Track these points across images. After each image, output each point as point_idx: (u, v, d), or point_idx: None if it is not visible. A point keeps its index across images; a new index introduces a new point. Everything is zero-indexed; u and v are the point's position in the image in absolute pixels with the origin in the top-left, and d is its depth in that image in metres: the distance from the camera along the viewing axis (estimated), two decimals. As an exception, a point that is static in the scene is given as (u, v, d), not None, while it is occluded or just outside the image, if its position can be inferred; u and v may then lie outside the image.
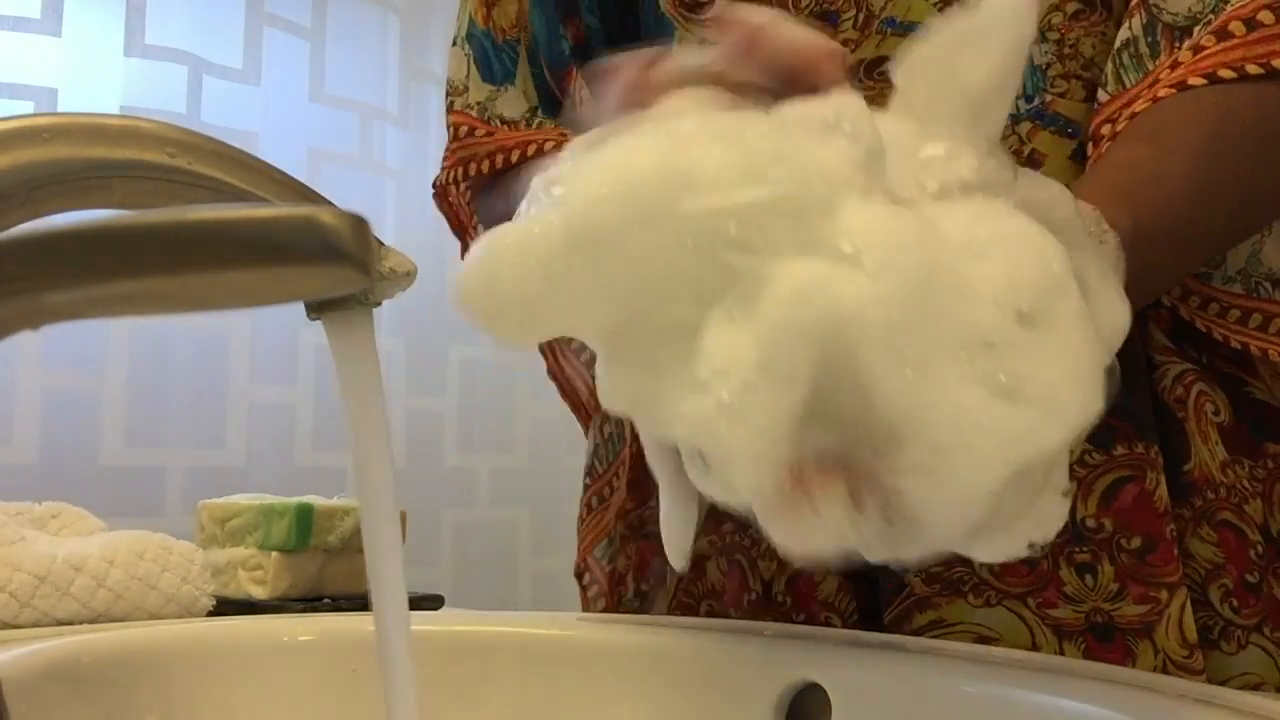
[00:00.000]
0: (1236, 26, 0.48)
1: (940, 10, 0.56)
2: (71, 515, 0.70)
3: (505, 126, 0.70)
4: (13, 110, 1.24)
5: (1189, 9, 0.51)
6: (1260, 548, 0.54)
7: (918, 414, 0.28)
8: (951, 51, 0.34)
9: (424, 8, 1.68)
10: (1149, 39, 0.53)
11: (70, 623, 0.60)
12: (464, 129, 0.70)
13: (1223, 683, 0.53)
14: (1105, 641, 0.53)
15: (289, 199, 0.36)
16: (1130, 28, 0.53)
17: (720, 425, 0.28)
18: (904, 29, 0.57)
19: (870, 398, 0.28)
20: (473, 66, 0.73)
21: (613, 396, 0.32)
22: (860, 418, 0.29)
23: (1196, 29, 0.50)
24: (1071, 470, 0.54)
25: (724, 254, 0.29)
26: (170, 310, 0.26)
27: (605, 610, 0.70)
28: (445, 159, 0.72)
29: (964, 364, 0.28)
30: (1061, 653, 0.54)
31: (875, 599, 0.58)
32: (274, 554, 0.74)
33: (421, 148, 1.65)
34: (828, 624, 0.60)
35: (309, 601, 0.74)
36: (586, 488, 0.74)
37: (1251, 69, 0.47)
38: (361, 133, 1.58)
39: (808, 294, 0.28)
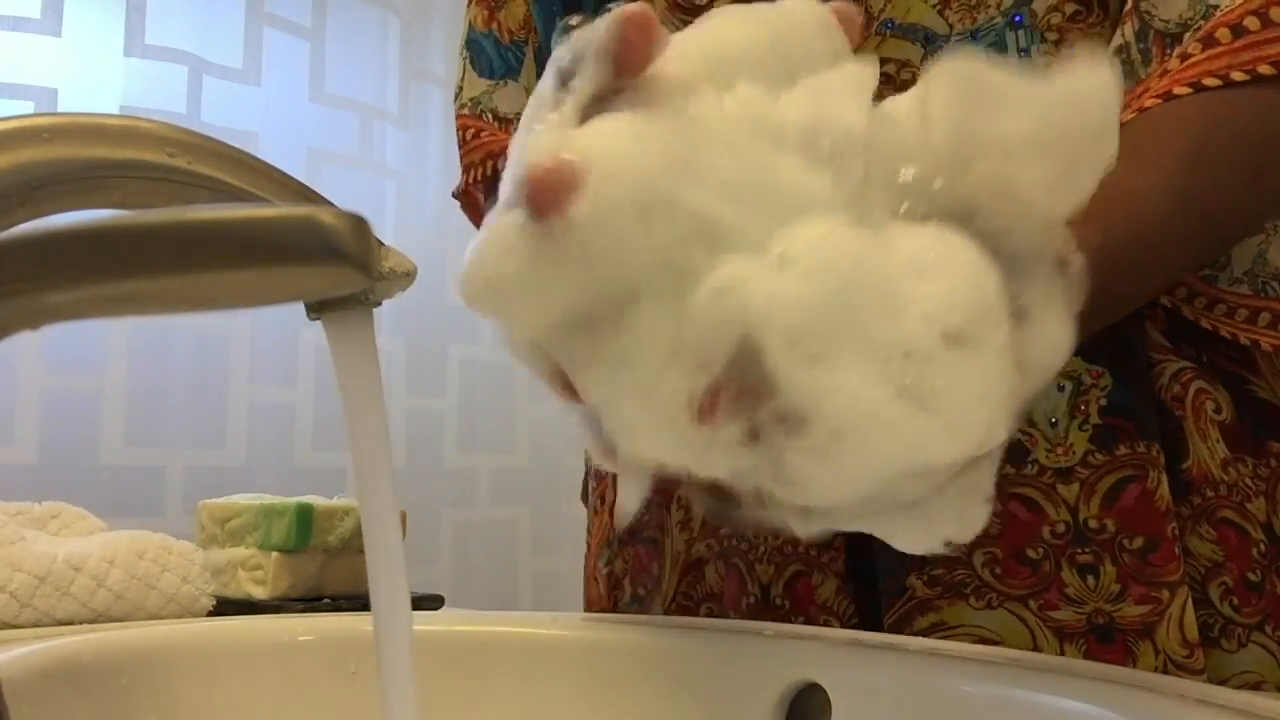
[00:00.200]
0: (1223, 33, 0.47)
1: (940, 13, 0.56)
2: (71, 515, 0.70)
3: (497, 123, 0.71)
4: (13, 110, 1.24)
5: (1180, 16, 0.51)
6: (1264, 546, 0.54)
7: (819, 398, 0.30)
8: (993, 101, 0.34)
9: (424, 8, 1.68)
10: (1140, 46, 0.53)
11: (70, 623, 0.60)
12: (470, 132, 0.72)
13: (1223, 681, 0.54)
14: (1106, 642, 0.53)
15: (289, 199, 0.36)
16: (1123, 34, 0.53)
17: (625, 402, 0.32)
18: (903, 31, 0.57)
19: (778, 386, 0.31)
20: (468, 66, 0.73)
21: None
22: (773, 401, 0.31)
23: (1186, 36, 0.50)
24: (1074, 471, 0.54)
25: (690, 247, 0.31)
26: (170, 310, 0.26)
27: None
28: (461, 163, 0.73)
29: (875, 365, 0.30)
30: (1062, 654, 0.54)
31: (874, 602, 0.58)
32: (274, 554, 0.74)
33: (421, 148, 1.65)
34: (829, 628, 0.60)
35: (309, 601, 0.74)
36: (591, 490, 0.74)
37: (1237, 75, 0.47)
38: (361, 133, 1.58)
39: (725, 289, 0.30)
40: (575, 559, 1.85)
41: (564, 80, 0.33)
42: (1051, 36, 0.56)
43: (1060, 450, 0.55)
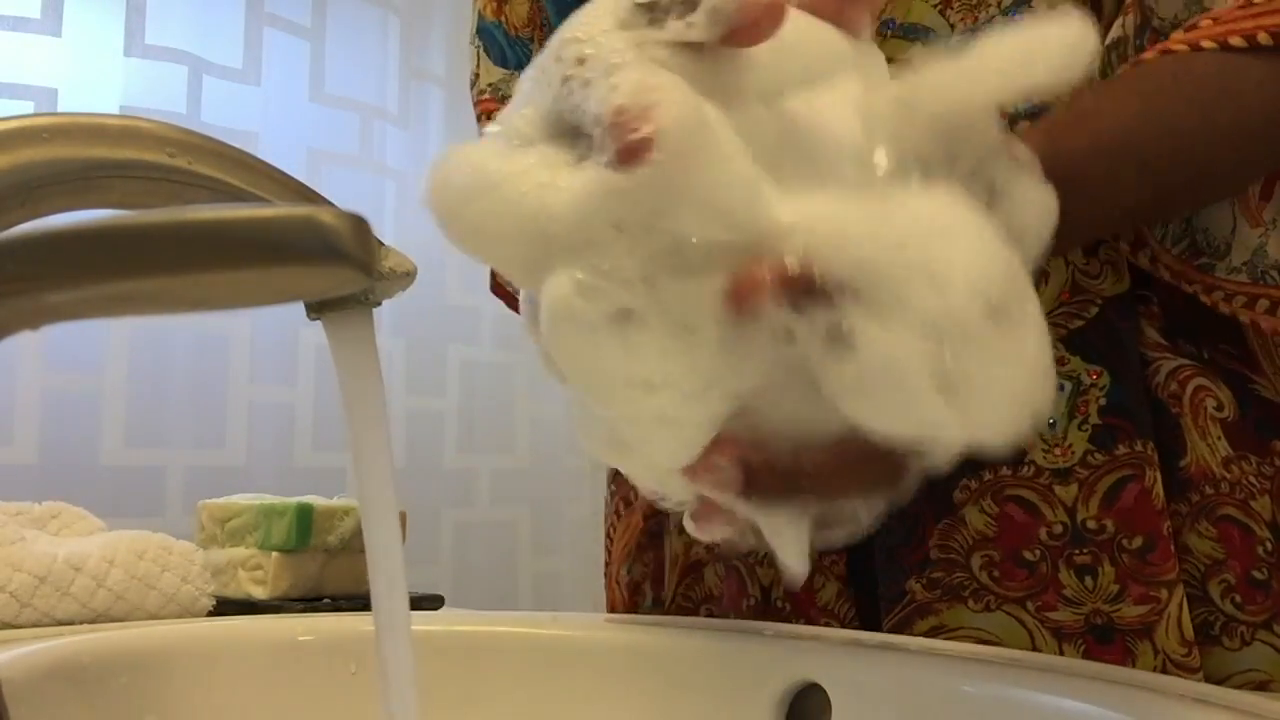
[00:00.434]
0: (1205, 22, 0.48)
1: (941, 13, 0.56)
2: (71, 515, 0.70)
3: None
4: (13, 110, 1.24)
5: (1174, 16, 0.52)
6: (1269, 544, 0.54)
7: (867, 341, 0.30)
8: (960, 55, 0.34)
9: (424, 8, 1.68)
10: (1138, 41, 0.53)
11: (70, 623, 0.60)
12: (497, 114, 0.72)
13: (1225, 679, 0.53)
14: (1105, 643, 0.53)
15: (289, 199, 0.36)
16: (1123, 26, 0.53)
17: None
18: (905, 31, 0.57)
19: (836, 303, 0.30)
20: (482, 54, 0.73)
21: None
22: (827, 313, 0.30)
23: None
24: (1073, 472, 0.54)
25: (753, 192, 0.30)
26: (170, 310, 0.26)
27: None
28: None
29: (923, 335, 0.30)
30: (1061, 655, 0.54)
31: (874, 606, 0.58)
32: (274, 554, 0.74)
33: (421, 148, 1.65)
34: (829, 628, 0.60)
35: (309, 601, 0.74)
36: (613, 494, 0.74)
37: (1234, 41, 0.48)
38: (361, 133, 1.58)
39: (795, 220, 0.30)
40: (575, 559, 1.85)
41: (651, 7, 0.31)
42: None
43: (1059, 451, 0.55)
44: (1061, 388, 0.55)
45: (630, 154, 0.28)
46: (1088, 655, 0.54)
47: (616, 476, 0.73)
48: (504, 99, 0.71)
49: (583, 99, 0.30)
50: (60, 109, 1.30)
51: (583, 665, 0.53)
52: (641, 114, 0.29)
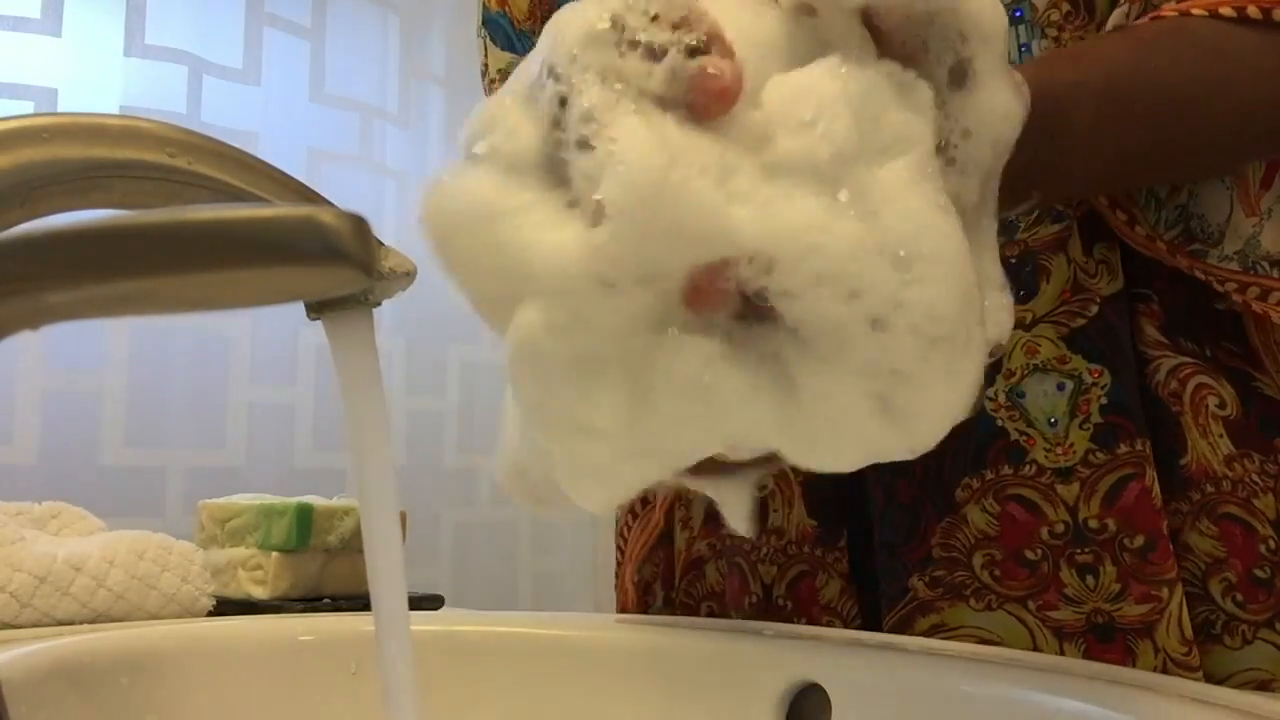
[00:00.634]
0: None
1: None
2: (71, 515, 0.70)
3: None
4: (13, 110, 1.24)
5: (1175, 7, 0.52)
6: (1272, 542, 0.54)
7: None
8: None
9: (424, 8, 1.68)
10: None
11: (70, 623, 0.60)
12: None
13: (1226, 678, 0.53)
14: (1106, 642, 0.53)
15: (289, 199, 0.36)
16: (1129, 15, 0.53)
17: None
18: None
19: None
20: (489, 43, 0.74)
21: None
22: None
23: None
24: (1074, 471, 0.54)
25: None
26: (170, 310, 0.26)
27: None
28: None
29: (863, 370, 0.30)
30: (1062, 654, 0.54)
31: (877, 603, 0.58)
32: (274, 554, 0.74)
33: (421, 148, 1.65)
34: (829, 628, 0.60)
35: (309, 601, 0.74)
36: None
37: (1225, 11, 0.48)
38: (361, 133, 1.58)
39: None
40: (575, 559, 1.85)
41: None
42: (1051, 32, 0.56)
43: (1060, 450, 0.55)
44: (1062, 387, 0.55)
45: (595, 216, 0.29)
46: (1089, 654, 0.54)
47: None
48: None
49: (560, 149, 0.31)
50: (60, 109, 1.30)
51: (582, 665, 0.53)
52: (599, 175, 0.29)
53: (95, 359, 1.32)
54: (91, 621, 0.61)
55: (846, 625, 0.60)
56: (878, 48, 0.33)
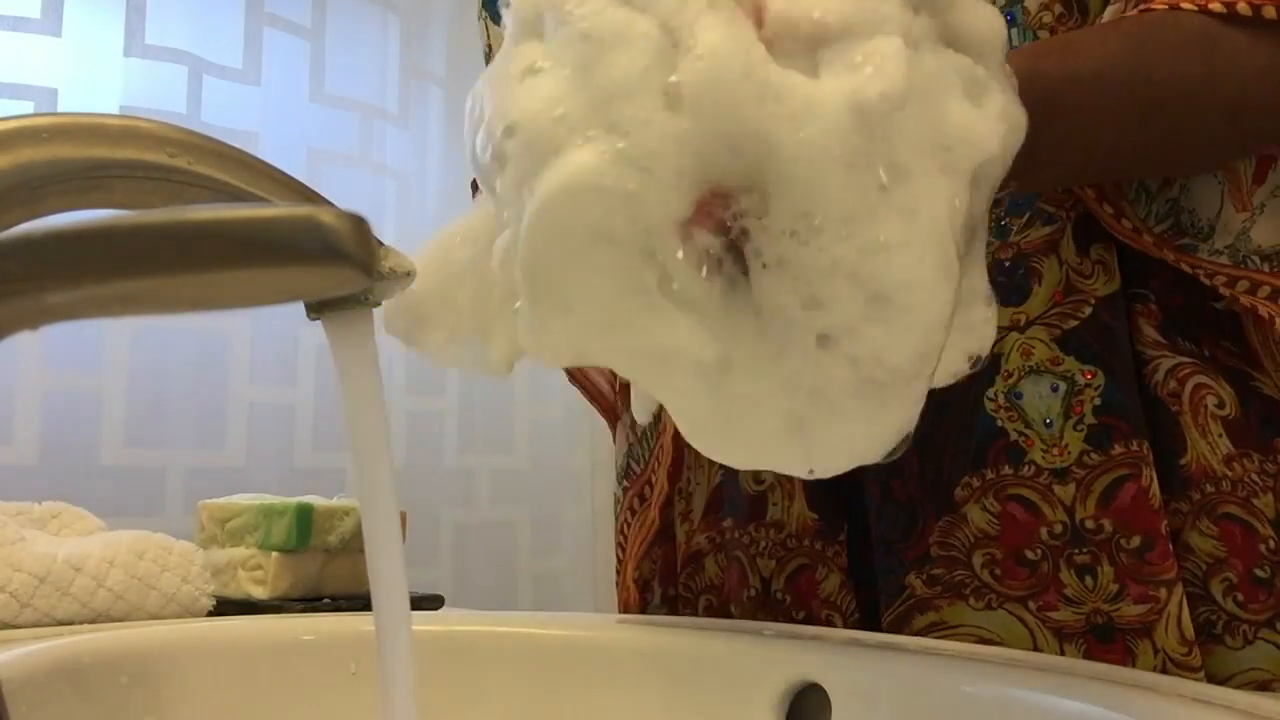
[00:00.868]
0: None
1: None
2: (71, 515, 0.70)
3: None
4: (13, 110, 1.24)
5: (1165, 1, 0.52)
6: (1272, 542, 0.54)
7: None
8: None
9: (424, 8, 1.67)
10: None
11: (70, 623, 0.60)
12: None
13: (1227, 678, 0.53)
14: (1106, 642, 0.53)
15: (289, 199, 0.36)
16: (1123, 12, 0.53)
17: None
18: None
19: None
20: (490, 25, 0.74)
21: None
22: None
23: None
24: (1070, 472, 0.54)
25: None
26: (170, 310, 0.26)
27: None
28: None
29: (784, 382, 0.31)
30: (1062, 654, 0.54)
31: (876, 599, 0.58)
32: (274, 554, 0.74)
33: (421, 148, 1.65)
34: (828, 622, 0.60)
35: (309, 601, 0.74)
36: (625, 491, 0.73)
37: (1214, 7, 0.49)
38: (361, 133, 1.58)
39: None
40: (575, 559, 1.84)
41: None
42: (1043, 34, 0.56)
43: (1056, 451, 0.55)
44: (1055, 388, 0.55)
45: (673, 100, 0.30)
46: (1089, 655, 0.54)
47: (628, 473, 0.73)
48: None
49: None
50: (60, 109, 1.30)
51: (582, 665, 0.53)
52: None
53: (95, 359, 1.32)
54: (91, 621, 0.61)
55: (845, 620, 0.60)
56: None
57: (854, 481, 0.59)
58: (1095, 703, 0.39)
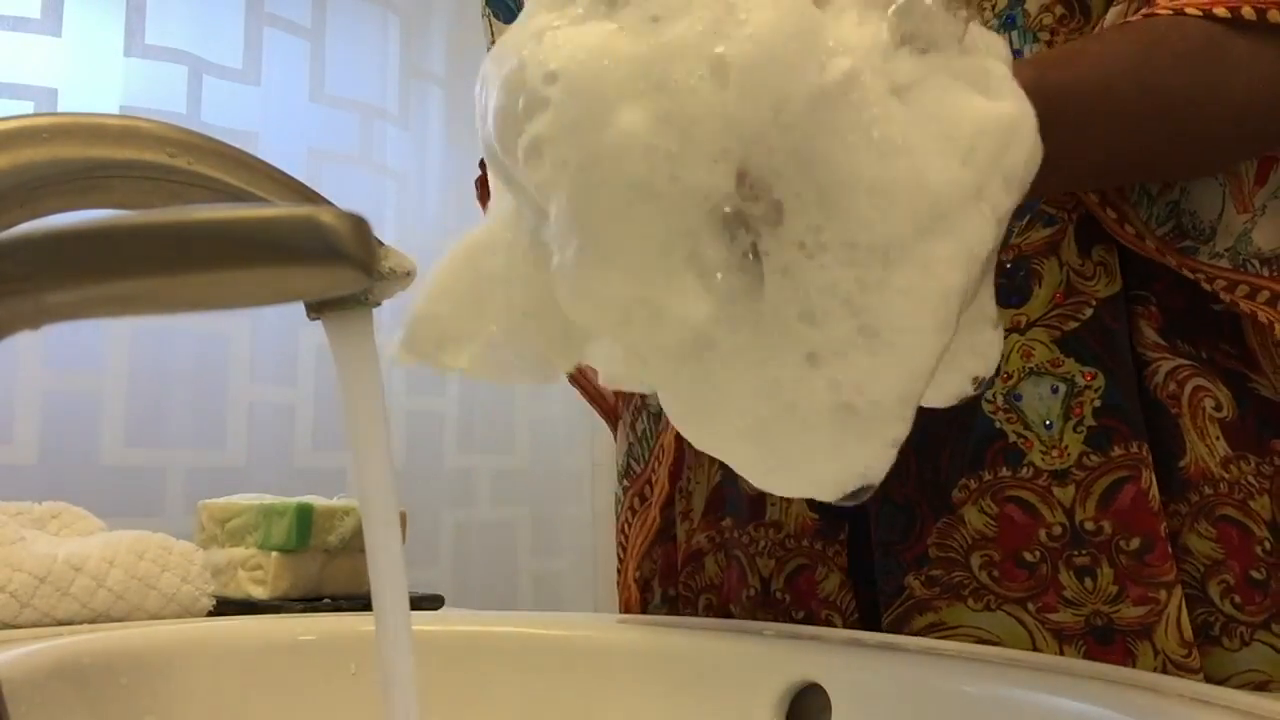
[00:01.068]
0: None
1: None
2: (71, 515, 0.70)
3: None
4: (13, 110, 1.24)
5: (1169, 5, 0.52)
6: (1269, 544, 0.54)
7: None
8: None
9: (424, 8, 1.67)
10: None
11: (70, 623, 0.60)
12: None
13: (1225, 679, 0.53)
14: (1105, 644, 0.53)
15: (289, 199, 0.36)
16: (1125, 14, 0.53)
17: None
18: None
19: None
20: (493, 20, 0.74)
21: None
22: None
23: None
24: (1069, 473, 0.54)
25: None
26: (170, 310, 0.26)
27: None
28: None
29: (765, 395, 0.31)
30: (1062, 656, 0.54)
31: (876, 599, 0.58)
32: (274, 554, 0.74)
33: (421, 148, 1.65)
34: (828, 622, 0.60)
35: (309, 601, 0.74)
36: (625, 490, 0.73)
37: (1219, 11, 0.48)
38: (361, 133, 1.58)
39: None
40: (575, 559, 1.84)
41: None
42: (1044, 36, 0.56)
43: (1055, 453, 0.55)
44: (1055, 390, 0.55)
45: (720, 73, 0.30)
46: (1088, 656, 0.54)
47: (628, 473, 0.73)
48: None
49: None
50: (60, 109, 1.30)
51: (582, 665, 0.53)
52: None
53: (95, 359, 1.32)
54: (91, 621, 0.61)
55: (845, 619, 0.60)
56: None
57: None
58: (1095, 703, 0.39)
